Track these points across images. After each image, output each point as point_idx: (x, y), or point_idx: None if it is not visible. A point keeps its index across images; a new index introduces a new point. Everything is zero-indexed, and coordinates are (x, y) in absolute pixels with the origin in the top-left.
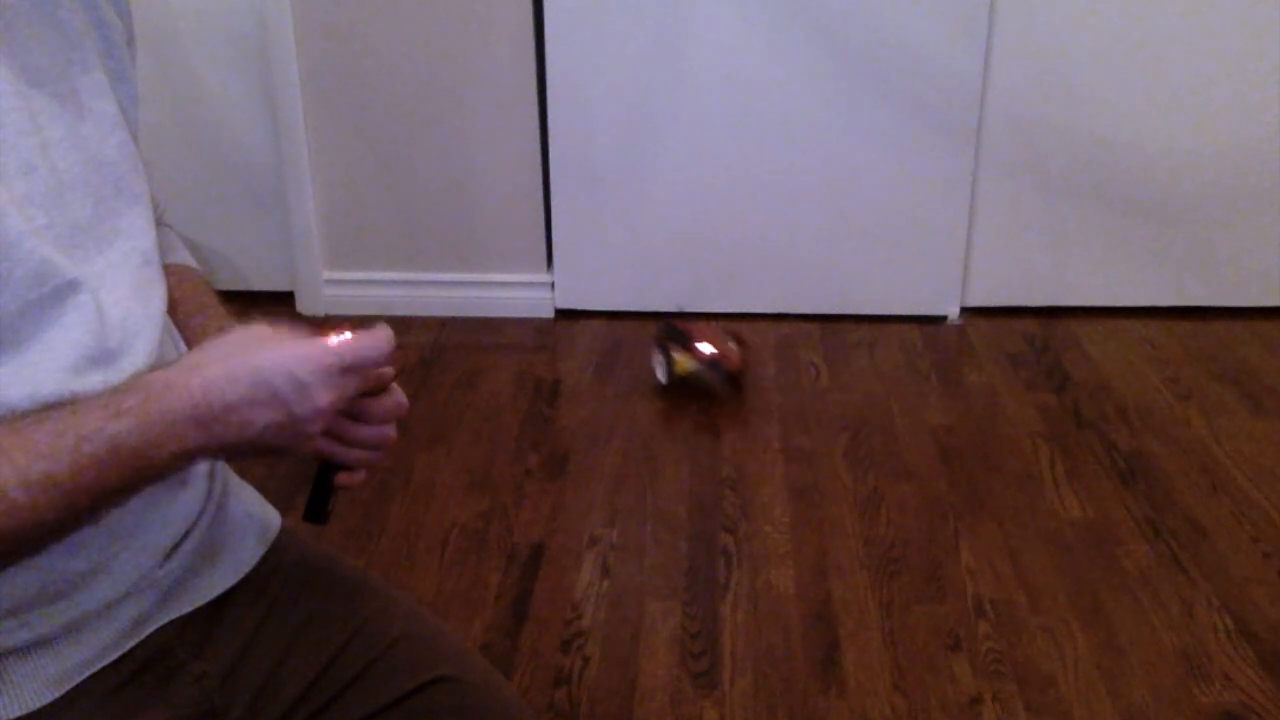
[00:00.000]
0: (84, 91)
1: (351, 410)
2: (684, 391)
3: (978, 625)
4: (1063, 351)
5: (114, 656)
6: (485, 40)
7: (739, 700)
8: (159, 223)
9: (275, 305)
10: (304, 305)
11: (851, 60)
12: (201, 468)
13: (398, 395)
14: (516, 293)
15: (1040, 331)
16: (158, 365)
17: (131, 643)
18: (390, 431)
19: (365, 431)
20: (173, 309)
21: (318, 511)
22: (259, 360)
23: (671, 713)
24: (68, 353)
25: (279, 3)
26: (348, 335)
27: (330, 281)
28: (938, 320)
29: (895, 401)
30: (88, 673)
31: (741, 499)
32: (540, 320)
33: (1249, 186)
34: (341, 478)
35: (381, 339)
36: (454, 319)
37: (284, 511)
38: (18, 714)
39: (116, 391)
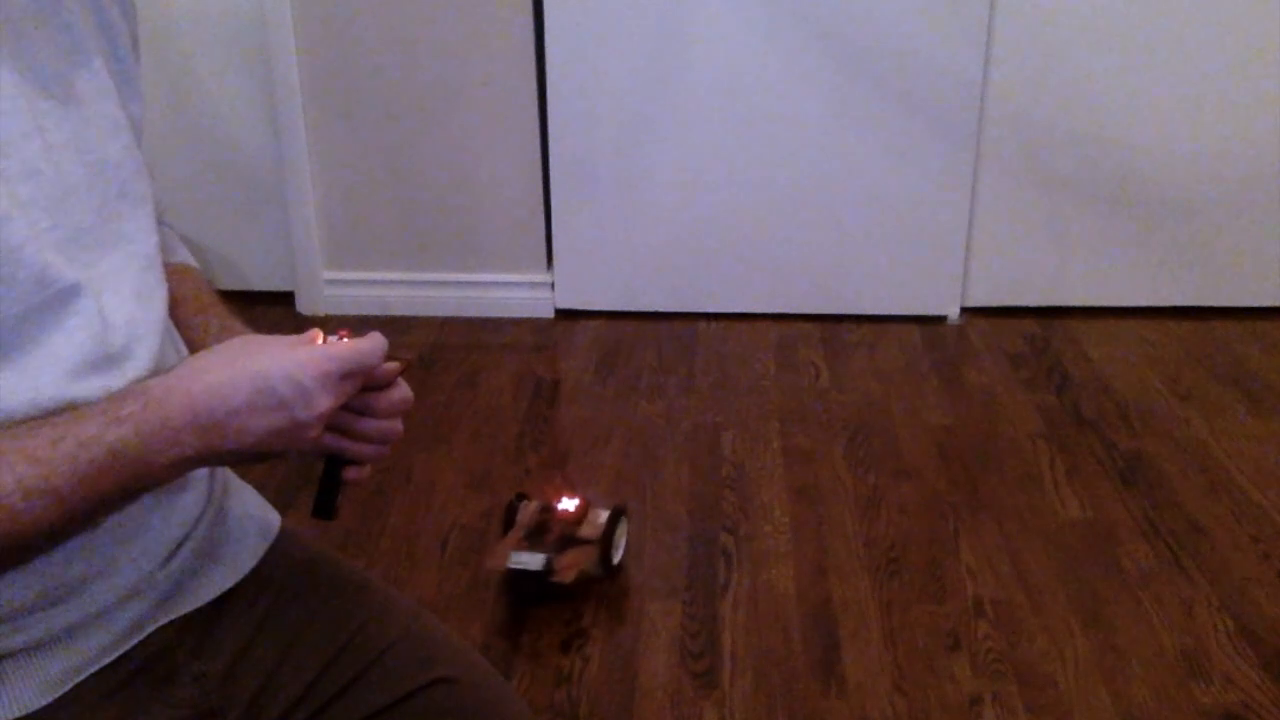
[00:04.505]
0: (88, 93)
1: (357, 405)
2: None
3: (978, 625)
4: (1063, 351)
5: (113, 657)
6: (485, 40)
7: (739, 700)
8: (159, 222)
9: (275, 305)
10: (304, 305)
11: (851, 60)
12: (202, 470)
13: (403, 389)
14: (516, 293)
15: (1040, 331)
16: (158, 371)
17: (131, 643)
18: (397, 425)
19: (371, 426)
20: (174, 309)
21: (326, 508)
22: (260, 365)
23: (671, 713)
24: (70, 357)
25: (279, 3)
26: (344, 339)
27: (330, 281)
28: (938, 320)
29: (895, 401)
30: (87, 673)
31: (741, 499)
32: (540, 320)
33: (1249, 186)
34: (349, 473)
35: (377, 344)
36: (454, 319)
37: (284, 511)
38: (17, 714)
39: (116, 398)
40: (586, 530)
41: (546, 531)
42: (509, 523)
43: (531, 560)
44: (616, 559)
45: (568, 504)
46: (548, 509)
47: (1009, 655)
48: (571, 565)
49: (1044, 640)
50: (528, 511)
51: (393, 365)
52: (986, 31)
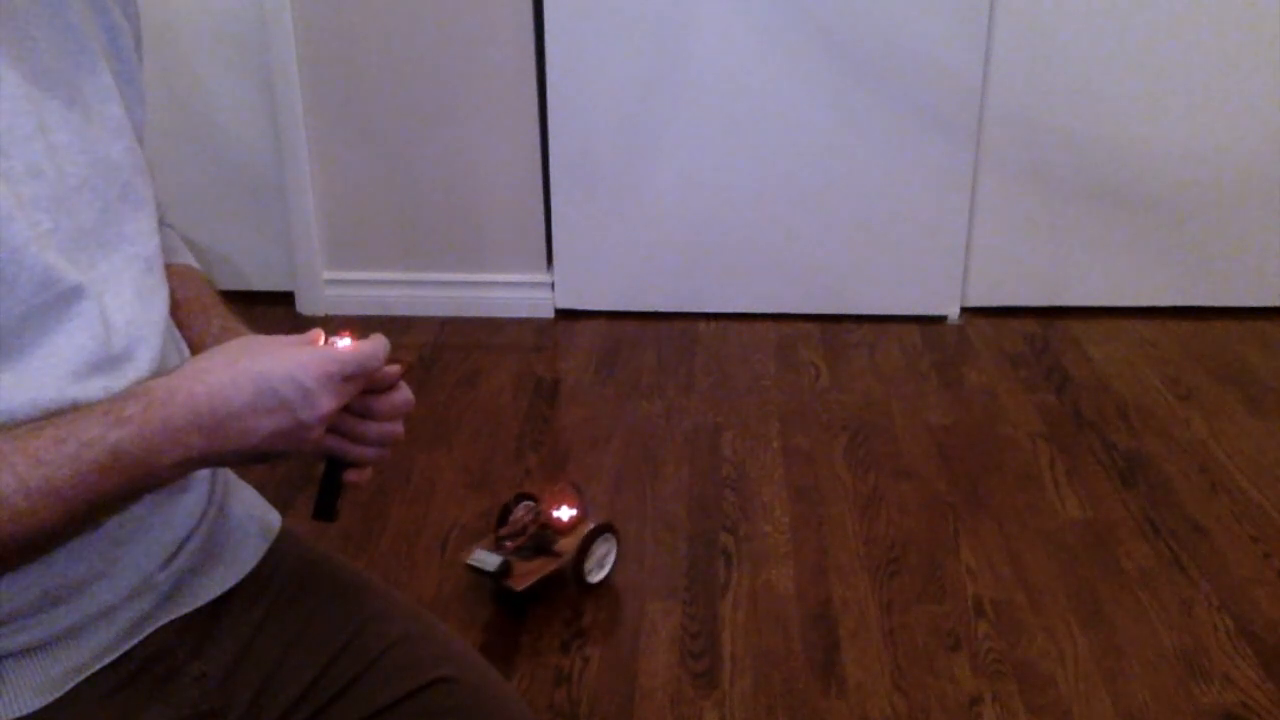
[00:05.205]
0: (91, 94)
1: (358, 407)
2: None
3: (978, 625)
4: (1063, 351)
5: (114, 657)
6: (485, 40)
7: (739, 700)
8: (161, 223)
9: (275, 305)
10: (304, 305)
11: (851, 59)
12: (203, 470)
13: (404, 392)
14: (516, 293)
15: (1040, 331)
16: (161, 372)
17: (131, 643)
18: (397, 428)
19: (373, 428)
20: (174, 310)
21: (326, 510)
22: (263, 367)
23: (671, 713)
24: (71, 359)
25: (279, 3)
26: (346, 340)
27: (330, 281)
28: (938, 320)
29: (895, 401)
30: (87, 673)
31: (741, 499)
32: (540, 320)
33: (1249, 186)
34: (349, 475)
35: (380, 346)
36: (454, 319)
37: (284, 512)
38: (17, 715)
39: (118, 399)
40: (566, 543)
41: (523, 535)
42: (502, 521)
43: (489, 560)
44: (596, 578)
45: (563, 512)
46: (540, 514)
47: (1009, 655)
48: (529, 574)
49: (1044, 640)
50: (519, 513)
51: (394, 368)
52: (986, 31)
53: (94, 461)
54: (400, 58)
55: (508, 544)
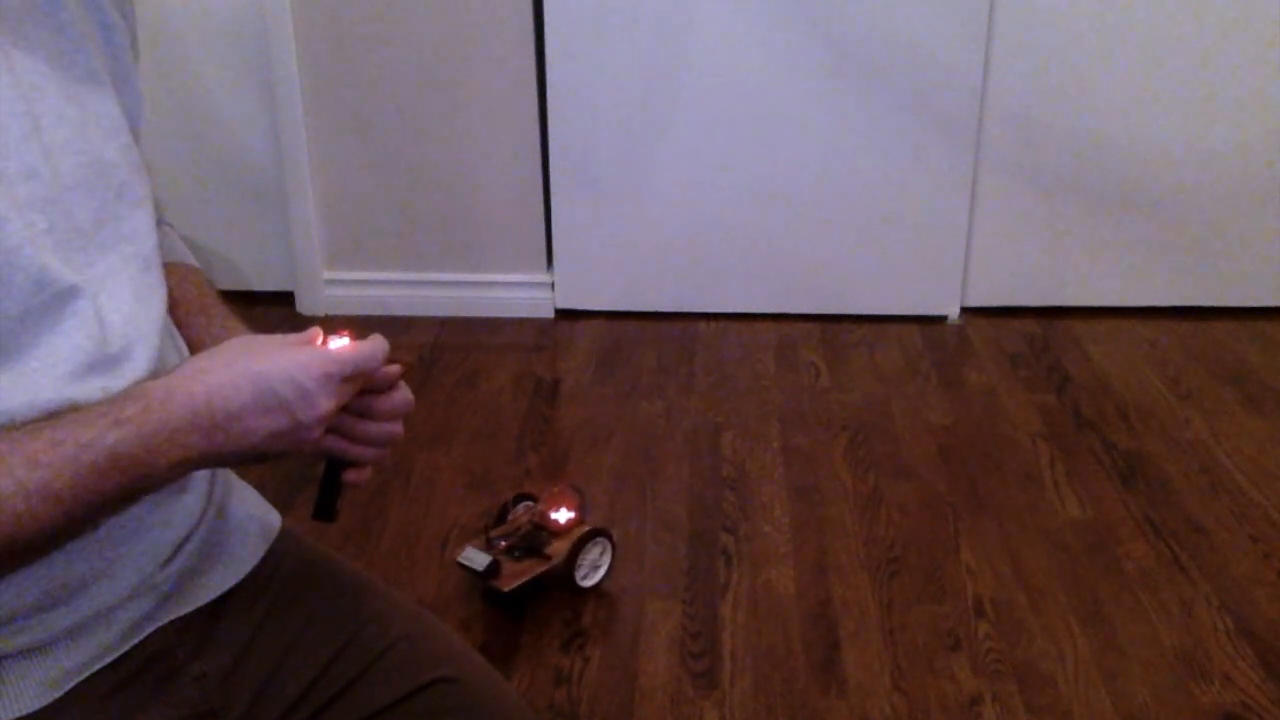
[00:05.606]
0: (87, 94)
1: (358, 407)
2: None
3: (978, 625)
4: (1063, 351)
5: (113, 657)
6: (485, 40)
7: (739, 700)
8: (160, 222)
9: (275, 305)
10: (304, 305)
11: (851, 60)
12: (203, 470)
13: (404, 392)
14: (516, 293)
15: (1040, 331)
16: (159, 372)
17: (131, 644)
18: (397, 428)
19: (372, 428)
20: (173, 309)
21: (326, 510)
22: (262, 367)
23: (671, 713)
24: (68, 359)
25: (279, 3)
26: (345, 340)
27: (330, 281)
28: (938, 320)
29: (895, 401)
30: (87, 674)
31: (741, 499)
32: (540, 320)
33: (1249, 186)
34: (349, 475)
35: (379, 346)
36: (454, 319)
37: (284, 511)
38: (17, 715)
39: (116, 400)
40: (558, 546)
41: (514, 535)
42: (500, 520)
43: (477, 559)
44: (589, 582)
45: (560, 515)
46: (539, 515)
47: (1009, 655)
48: (517, 575)
49: (1044, 640)
50: (518, 513)
51: (394, 368)
52: (986, 31)
53: (92, 463)
54: (400, 58)
55: (500, 543)
